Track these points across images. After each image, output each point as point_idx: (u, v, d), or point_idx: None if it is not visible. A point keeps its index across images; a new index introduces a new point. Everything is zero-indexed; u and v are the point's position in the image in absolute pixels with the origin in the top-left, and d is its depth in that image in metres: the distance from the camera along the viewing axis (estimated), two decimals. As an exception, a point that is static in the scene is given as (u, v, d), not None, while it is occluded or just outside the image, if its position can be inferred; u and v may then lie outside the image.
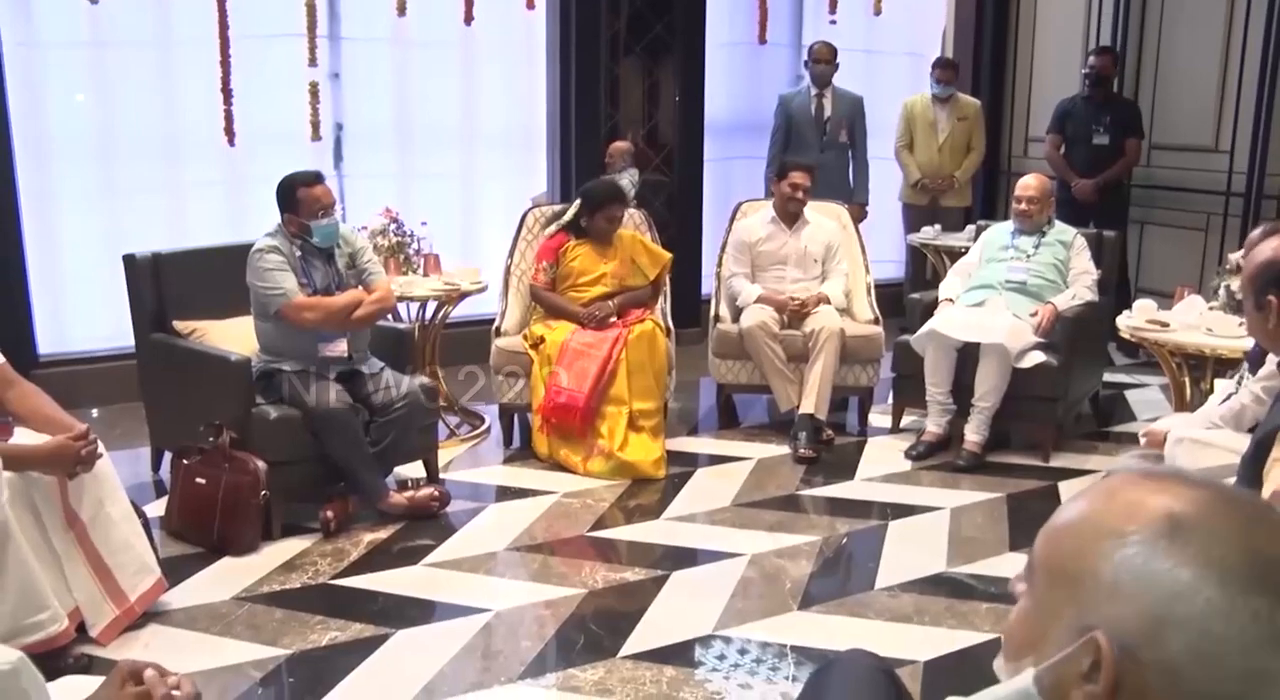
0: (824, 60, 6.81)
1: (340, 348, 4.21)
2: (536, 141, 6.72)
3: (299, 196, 4.13)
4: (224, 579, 3.69)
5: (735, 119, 7.37)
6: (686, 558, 3.91)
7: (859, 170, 6.99)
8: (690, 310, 6.65)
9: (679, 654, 3.19)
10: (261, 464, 3.91)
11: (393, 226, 5.22)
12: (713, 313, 5.42)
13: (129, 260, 4.46)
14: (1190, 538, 0.89)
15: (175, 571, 3.63)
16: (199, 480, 3.95)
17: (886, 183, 7.34)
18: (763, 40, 7.33)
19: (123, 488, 3.38)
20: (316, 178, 4.20)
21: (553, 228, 5.21)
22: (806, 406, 5.02)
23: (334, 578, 3.73)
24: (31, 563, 3.02)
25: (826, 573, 3.82)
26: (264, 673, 3.10)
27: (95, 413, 5.34)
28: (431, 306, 5.19)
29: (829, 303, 5.19)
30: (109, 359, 5.53)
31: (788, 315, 5.16)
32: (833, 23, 7.43)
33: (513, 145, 6.69)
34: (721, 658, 3.18)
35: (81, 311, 5.74)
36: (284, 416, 4.06)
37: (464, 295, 5.16)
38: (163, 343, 4.41)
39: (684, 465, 4.84)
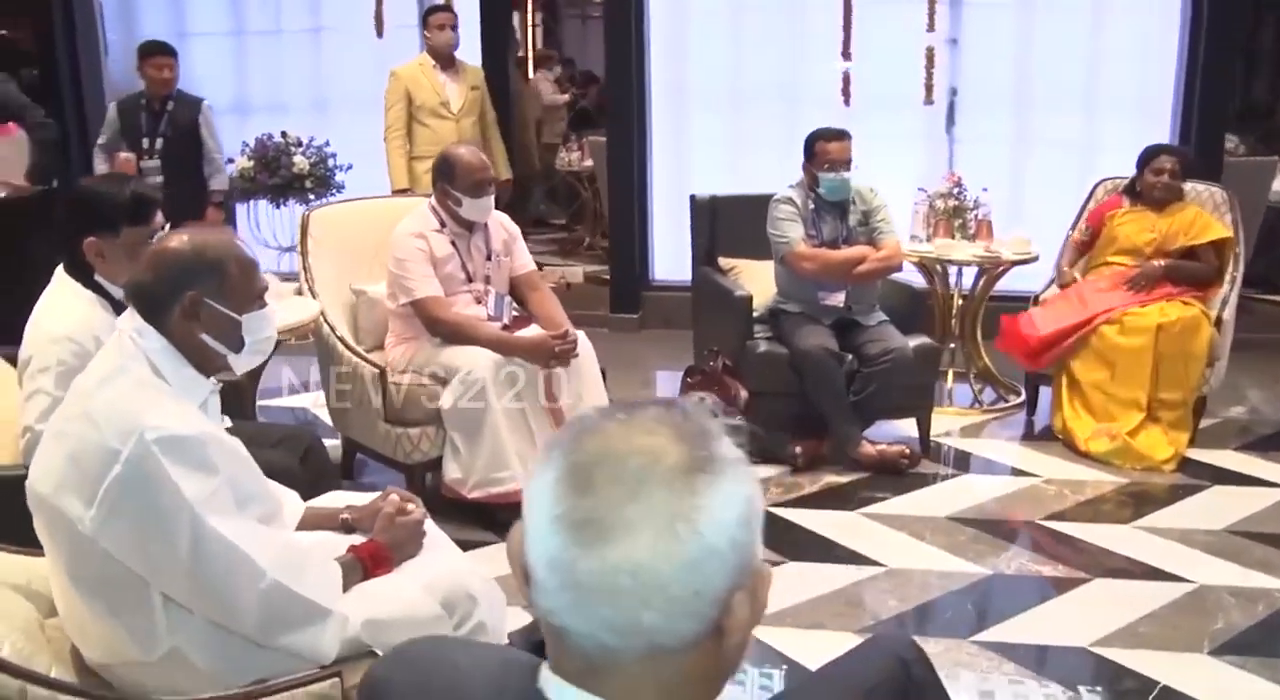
0: None
1: (838, 298, 4.43)
2: (1158, 118, 6.19)
3: (815, 149, 4.40)
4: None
5: None
6: (1119, 567, 3.60)
7: None
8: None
9: (1030, 657, 3.04)
10: (744, 392, 4.29)
11: (955, 190, 5.26)
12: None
13: (693, 199, 5.05)
14: None
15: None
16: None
17: None
18: None
19: (604, 389, 3.96)
20: (839, 135, 4.42)
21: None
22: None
23: (774, 505, 4.00)
24: (502, 431, 3.72)
25: (1276, 627, 3.28)
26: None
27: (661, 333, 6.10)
28: (972, 273, 5.16)
29: None
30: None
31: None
32: None
33: (1130, 118, 6.23)
34: (1075, 679, 2.95)
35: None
36: (769, 352, 4.41)
37: (1009, 265, 5.04)
38: (705, 275, 4.95)
39: (1202, 477, 4.35)
